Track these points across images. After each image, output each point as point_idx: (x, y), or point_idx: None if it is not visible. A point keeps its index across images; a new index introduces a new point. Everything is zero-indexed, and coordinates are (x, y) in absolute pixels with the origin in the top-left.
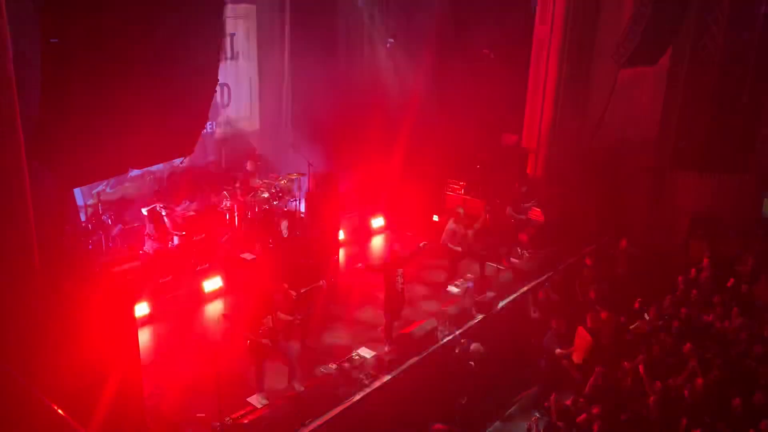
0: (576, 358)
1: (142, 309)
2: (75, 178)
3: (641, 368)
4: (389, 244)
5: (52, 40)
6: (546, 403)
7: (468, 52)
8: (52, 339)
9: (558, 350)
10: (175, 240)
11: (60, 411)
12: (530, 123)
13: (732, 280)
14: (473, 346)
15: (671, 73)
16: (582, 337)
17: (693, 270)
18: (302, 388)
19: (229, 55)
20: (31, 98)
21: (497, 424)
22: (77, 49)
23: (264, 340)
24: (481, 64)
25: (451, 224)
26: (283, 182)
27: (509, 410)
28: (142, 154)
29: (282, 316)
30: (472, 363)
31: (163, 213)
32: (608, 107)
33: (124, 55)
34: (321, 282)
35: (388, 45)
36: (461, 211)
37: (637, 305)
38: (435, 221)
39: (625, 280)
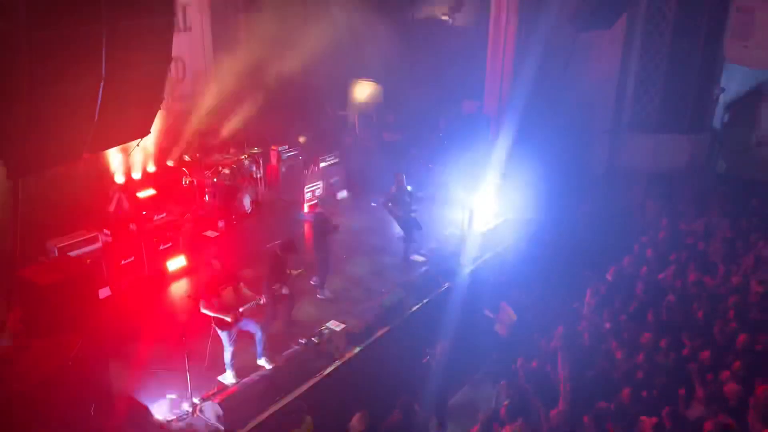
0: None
1: (105, 292)
2: (26, 166)
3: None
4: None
5: None
6: (513, 366)
7: (426, 18)
8: (18, 327)
9: (486, 311)
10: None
11: None
12: (491, 89)
13: (691, 238)
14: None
15: (627, 36)
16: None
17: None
18: (272, 365)
19: (182, 27)
20: None
21: (466, 389)
22: (21, 32)
23: (229, 317)
24: (440, 30)
25: (392, 190)
26: (243, 157)
27: (476, 375)
28: (97, 139)
29: (246, 291)
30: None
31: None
32: (566, 71)
33: (72, 36)
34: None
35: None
36: (403, 178)
37: None
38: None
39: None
